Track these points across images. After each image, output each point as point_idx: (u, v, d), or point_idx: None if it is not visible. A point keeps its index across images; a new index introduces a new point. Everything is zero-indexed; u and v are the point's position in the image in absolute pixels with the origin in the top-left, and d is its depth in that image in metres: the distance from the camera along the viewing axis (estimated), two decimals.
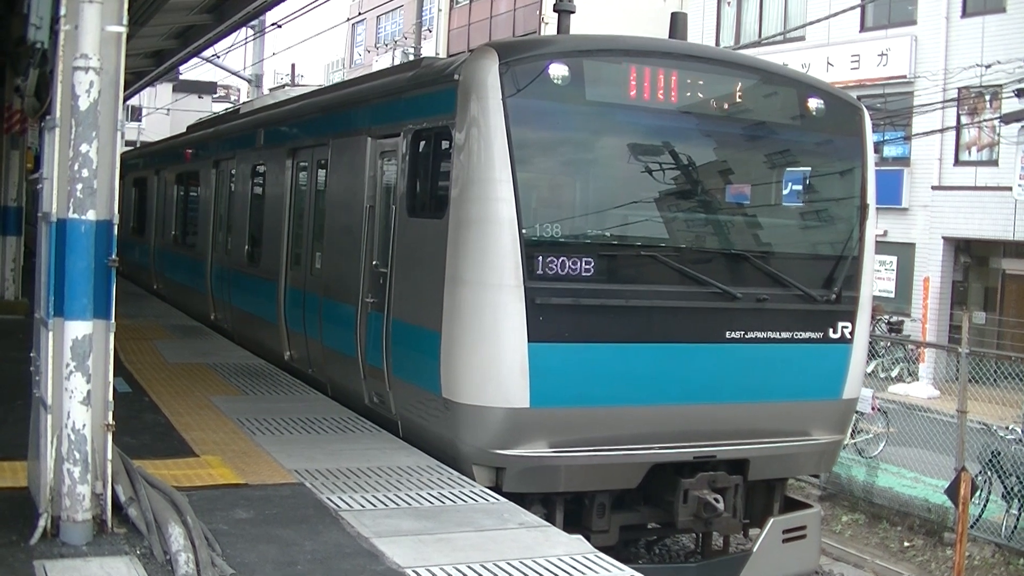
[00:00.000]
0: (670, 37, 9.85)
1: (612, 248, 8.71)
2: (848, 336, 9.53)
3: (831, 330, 9.43)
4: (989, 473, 14.73)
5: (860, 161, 9.75)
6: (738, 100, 9.24)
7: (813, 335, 9.35)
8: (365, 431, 9.59)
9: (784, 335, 9.19)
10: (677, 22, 9.89)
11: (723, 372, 8.94)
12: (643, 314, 8.64)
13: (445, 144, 8.84)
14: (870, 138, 9.85)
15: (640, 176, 9.01)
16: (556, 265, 8.24)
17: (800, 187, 9.85)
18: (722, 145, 9.51)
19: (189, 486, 7.29)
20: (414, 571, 6.06)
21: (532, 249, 8.16)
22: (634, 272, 8.74)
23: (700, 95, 9.10)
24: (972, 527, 13.93)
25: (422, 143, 9.32)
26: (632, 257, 8.77)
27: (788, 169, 9.77)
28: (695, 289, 8.77)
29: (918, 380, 24.80)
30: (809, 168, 9.89)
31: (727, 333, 8.92)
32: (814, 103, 9.52)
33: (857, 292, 9.59)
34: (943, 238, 27.58)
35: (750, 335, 9.00)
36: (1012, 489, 14.43)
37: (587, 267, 8.35)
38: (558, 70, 8.33)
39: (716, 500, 8.82)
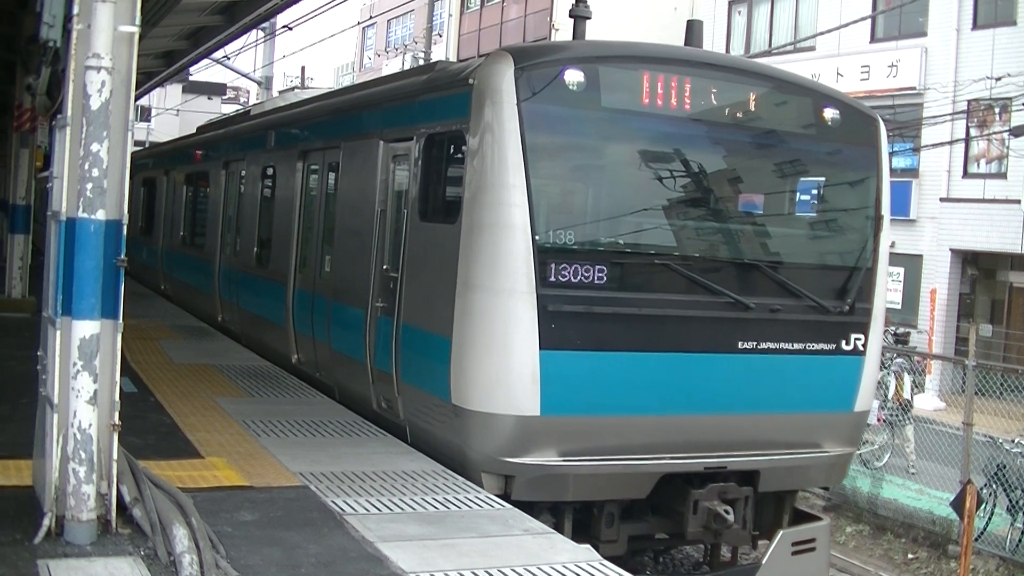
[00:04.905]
0: (686, 44, 9.82)
1: (625, 256, 8.65)
2: (861, 348, 9.43)
3: (844, 342, 9.34)
4: (994, 486, 14.71)
5: (875, 172, 9.66)
6: (753, 109, 9.19)
7: (826, 347, 9.26)
8: (370, 435, 9.58)
9: (796, 346, 9.11)
10: (693, 30, 9.84)
11: (735, 383, 8.86)
12: (655, 323, 8.57)
13: (458, 148, 8.81)
14: (885, 149, 9.77)
15: (654, 184, 8.95)
16: (569, 272, 8.18)
17: (814, 197, 9.78)
18: (737, 154, 9.46)
19: (194, 487, 7.29)
20: None
21: (545, 255, 8.10)
22: (647, 280, 8.68)
23: (716, 103, 9.04)
24: (977, 540, 13.88)
25: (435, 147, 9.26)
26: (645, 265, 8.71)
27: (802, 179, 9.71)
28: (708, 299, 8.70)
29: (924, 392, 24.76)
30: (824, 178, 9.82)
31: (739, 343, 8.84)
32: (829, 113, 9.44)
33: (870, 304, 9.49)
34: (951, 250, 27.53)
35: (762, 346, 8.92)
36: (1017, 502, 14.40)
37: (600, 274, 8.28)
38: (573, 76, 8.28)
39: (726, 512, 8.73)
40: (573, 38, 10.09)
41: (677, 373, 8.67)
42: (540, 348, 8.08)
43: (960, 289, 28.04)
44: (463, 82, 8.73)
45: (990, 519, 14.57)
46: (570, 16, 10.19)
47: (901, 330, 27.71)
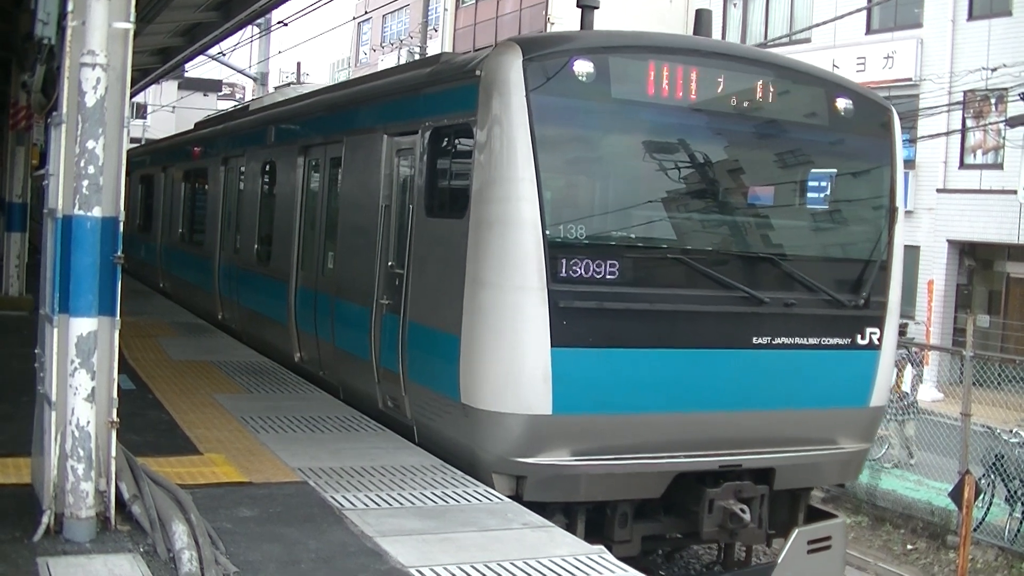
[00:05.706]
0: (695, 34, 9.69)
1: (638, 250, 8.50)
2: (876, 342, 9.28)
3: (859, 336, 9.18)
4: (993, 476, 14.75)
5: (889, 163, 9.52)
6: (766, 99, 9.01)
7: (841, 341, 9.09)
8: (369, 430, 9.57)
9: (812, 341, 8.92)
10: (702, 19, 9.64)
11: (750, 379, 8.69)
12: (669, 318, 8.41)
13: (466, 142, 8.66)
14: (899, 139, 9.60)
15: (665, 177, 8.78)
16: (580, 267, 7.99)
17: (829, 189, 9.55)
18: (749, 145, 9.29)
19: (193, 484, 7.29)
20: (418, 571, 6.05)
21: (555, 251, 7.92)
22: (660, 275, 8.53)
23: (727, 93, 8.86)
24: (975, 530, 13.92)
25: (441, 141, 9.11)
26: (658, 260, 8.56)
27: (816, 170, 9.51)
28: (722, 293, 8.54)
29: (922, 383, 24.74)
30: (837, 169, 9.61)
31: (754, 338, 8.66)
32: (843, 103, 9.28)
33: (885, 297, 9.35)
34: (948, 241, 27.55)
35: (777, 341, 8.75)
36: (1015, 492, 14.44)
37: (612, 269, 8.10)
38: (583, 66, 8.10)
39: (743, 510, 8.59)
40: (581, 28, 9.98)
41: (691, 370, 8.50)
42: (551, 345, 7.90)
43: (957, 280, 28.06)
44: (470, 74, 8.56)
45: (988, 509, 14.61)
46: (578, 6, 10.03)
47: (899, 321, 27.75)
